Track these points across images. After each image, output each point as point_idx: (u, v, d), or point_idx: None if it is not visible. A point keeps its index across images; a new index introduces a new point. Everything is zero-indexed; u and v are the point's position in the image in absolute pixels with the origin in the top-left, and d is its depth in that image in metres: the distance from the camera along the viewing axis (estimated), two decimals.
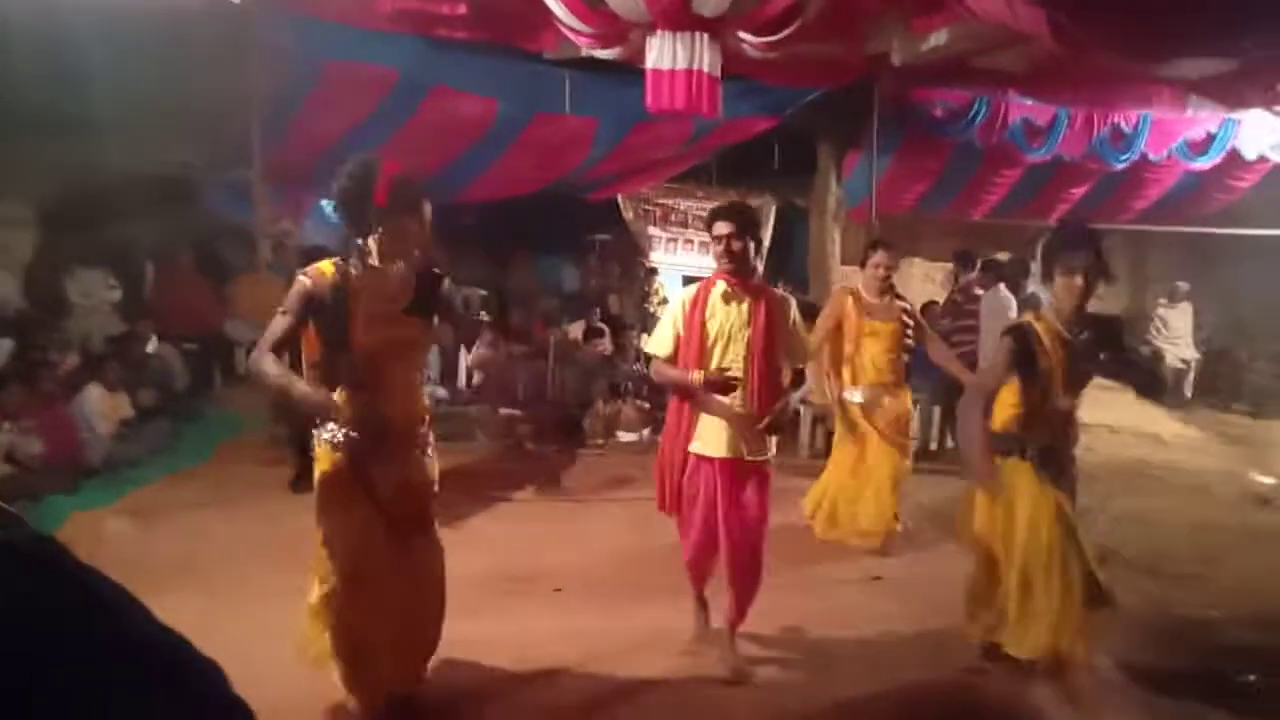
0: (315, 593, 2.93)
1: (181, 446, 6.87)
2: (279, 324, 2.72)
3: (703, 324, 3.38)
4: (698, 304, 3.41)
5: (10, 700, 0.57)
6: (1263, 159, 9.30)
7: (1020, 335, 3.26)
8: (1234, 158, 9.29)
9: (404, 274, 2.85)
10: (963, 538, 3.66)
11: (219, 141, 7.66)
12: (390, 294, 2.80)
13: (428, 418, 3.01)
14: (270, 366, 2.71)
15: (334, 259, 2.81)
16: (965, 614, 3.62)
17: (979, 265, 7.71)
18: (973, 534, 3.53)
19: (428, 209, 2.85)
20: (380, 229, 2.76)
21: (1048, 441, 3.30)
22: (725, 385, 3.30)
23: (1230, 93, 7.10)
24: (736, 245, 3.34)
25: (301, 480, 2.83)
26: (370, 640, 2.84)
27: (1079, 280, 3.17)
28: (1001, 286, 7.33)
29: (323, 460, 2.83)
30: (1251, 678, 3.61)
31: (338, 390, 2.78)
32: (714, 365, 3.35)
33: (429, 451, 2.99)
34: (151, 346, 7.68)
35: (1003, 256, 8.43)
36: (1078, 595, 3.20)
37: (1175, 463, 7.54)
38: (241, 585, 4.23)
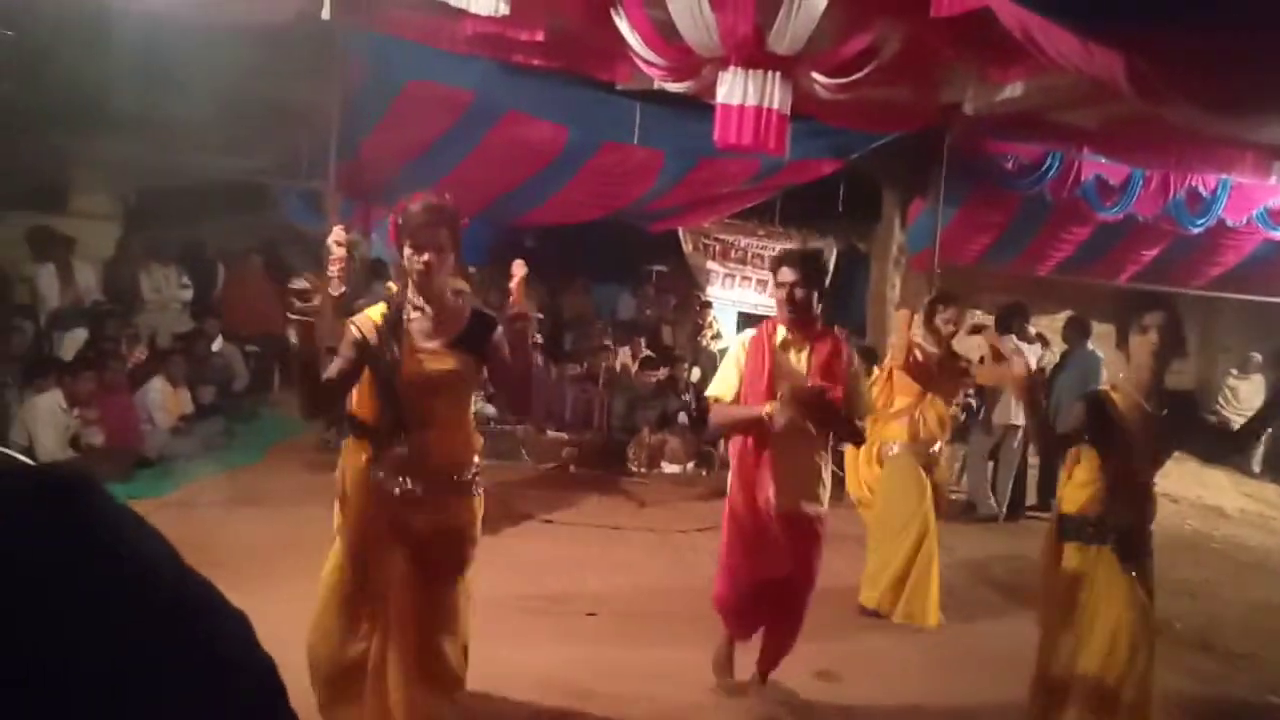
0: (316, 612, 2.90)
1: (235, 445, 7.04)
2: (334, 365, 2.75)
3: (771, 365, 3.31)
4: (761, 347, 3.36)
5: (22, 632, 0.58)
6: None
7: (1095, 402, 3.14)
8: None
9: (449, 311, 2.80)
10: (1041, 623, 3.37)
11: (297, 151, 7.92)
12: (433, 331, 2.76)
13: (476, 459, 2.91)
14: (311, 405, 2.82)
15: (386, 300, 2.81)
16: (1031, 698, 3.34)
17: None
18: (1047, 621, 3.28)
19: (435, 235, 2.69)
20: (403, 264, 2.75)
21: (1129, 523, 3.11)
22: (812, 396, 3.15)
23: None
24: (800, 294, 3.27)
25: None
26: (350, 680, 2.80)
27: (1154, 337, 3.05)
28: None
29: (353, 478, 2.84)
30: None
31: (385, 430, 2.77)
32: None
33: (474, 494, 2.89)
34: (216, 345, 7.91)
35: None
36: (1147, 702, 3.03)
37: (1237, 537, 7.27)
38: (274, 586, 4.27)
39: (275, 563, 4.65)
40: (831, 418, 3.29)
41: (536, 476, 7.37)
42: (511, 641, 3.86)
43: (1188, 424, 3.25)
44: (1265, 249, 9.70)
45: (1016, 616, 4.64)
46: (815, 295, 3.33)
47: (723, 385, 3.43)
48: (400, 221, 2.72)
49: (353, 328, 2.74)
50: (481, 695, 3.44)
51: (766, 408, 3.18)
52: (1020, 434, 7.15)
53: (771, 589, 3.36)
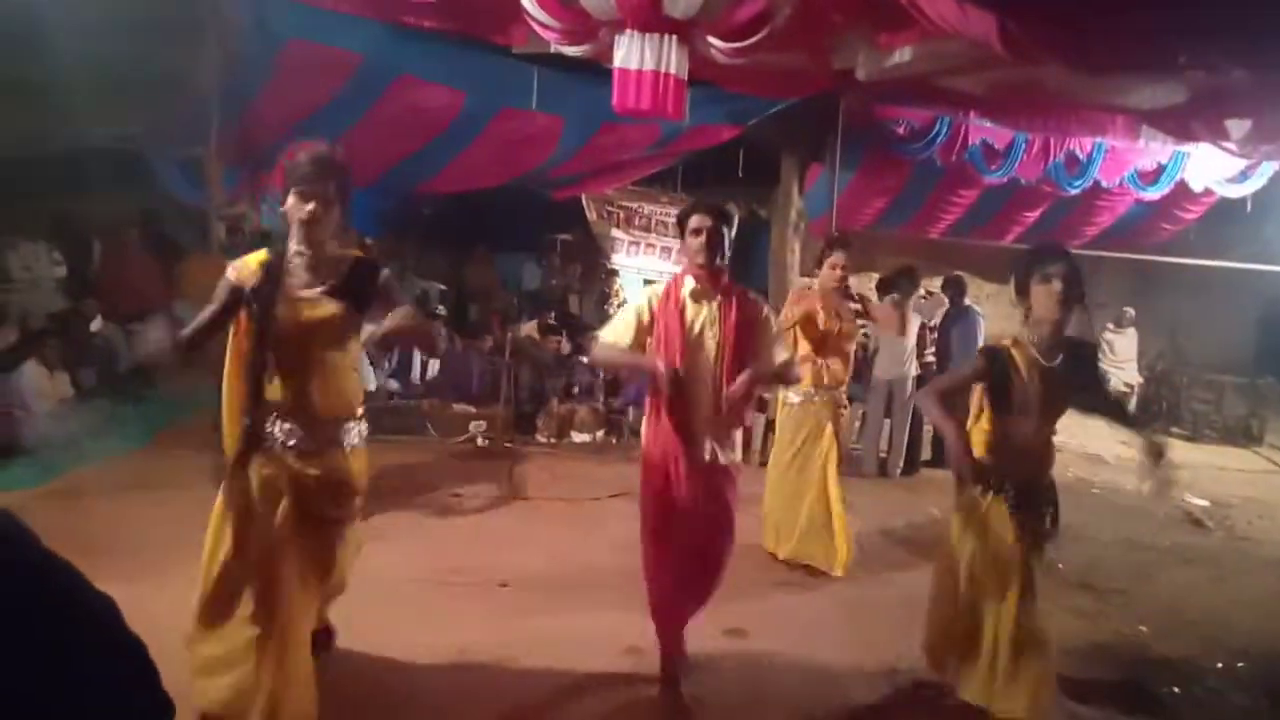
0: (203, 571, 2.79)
1: (120, 429, 6.69)
2: (204, 313, 2.72)
3: (681, 318, 3.30)
4: (670, 299, 3.33)
5: None
6: (1209, 192, 9.59)
7: (992, 357, 3.13)
8: (1182, 189, 9.56)
9: (330, 257, 2.79)
10: (936, 567, 3.48)
11: (174, 118, 7.48)
12: (311, 278, 2.74)
13: (359, 410, 2.91)
14: (181, 347, 2.68)
15: (269, 248, 2.78)
16: (925, 646, 3.50)
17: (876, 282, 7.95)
18: (941, 565, 3.39)
19: (321, 184, 2.69)
20: (286, 211, 2.74)
21: (1025, 476, 3.16)
22: (680, 385, 3.18)
23: (1180, 125, 7.30)
24: (713, 239, 3.28)
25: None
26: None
27: (1057, 285, 3.04)
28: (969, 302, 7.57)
29: (232, 444, 2.78)
30: (1175, 690, 3.71)
31: (267, 379, 2.73)
32: (694, 364, 3.25)
33: (356, 444, 2.87)
34: (95, 325, 7.48)
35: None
36: (1037, 652, 3.11)
37: (1114, 483, 7.74)
38: (167, 572, 4.11)
39: (169, 549, 4.44)
40: (748, 403, 3.33)
41: (445, 451, 7.27)
42: (425, 616, 3.82)
43: (1086, 372, 3.25)
44: (1136, 209, 10.28)
45: (919, 569, 4.83)
46: (725, 244, 3.34)
47: (616, 330, 3.40)
48: (287, 168, 2.70)
49: (230, 272, 2.73)
50: (397, 667, 3.41)
51: (659, 365, 3.18)
52: (909, 388, 7.39)
53: (691, 540, 3.36)
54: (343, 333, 2.80)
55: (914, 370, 7.48)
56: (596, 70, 6.08)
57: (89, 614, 0.70)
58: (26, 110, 6.53)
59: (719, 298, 3.33)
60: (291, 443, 2.73)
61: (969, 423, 3.33)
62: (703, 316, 3.32)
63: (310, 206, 2.68)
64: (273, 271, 2.70)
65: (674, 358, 3.24)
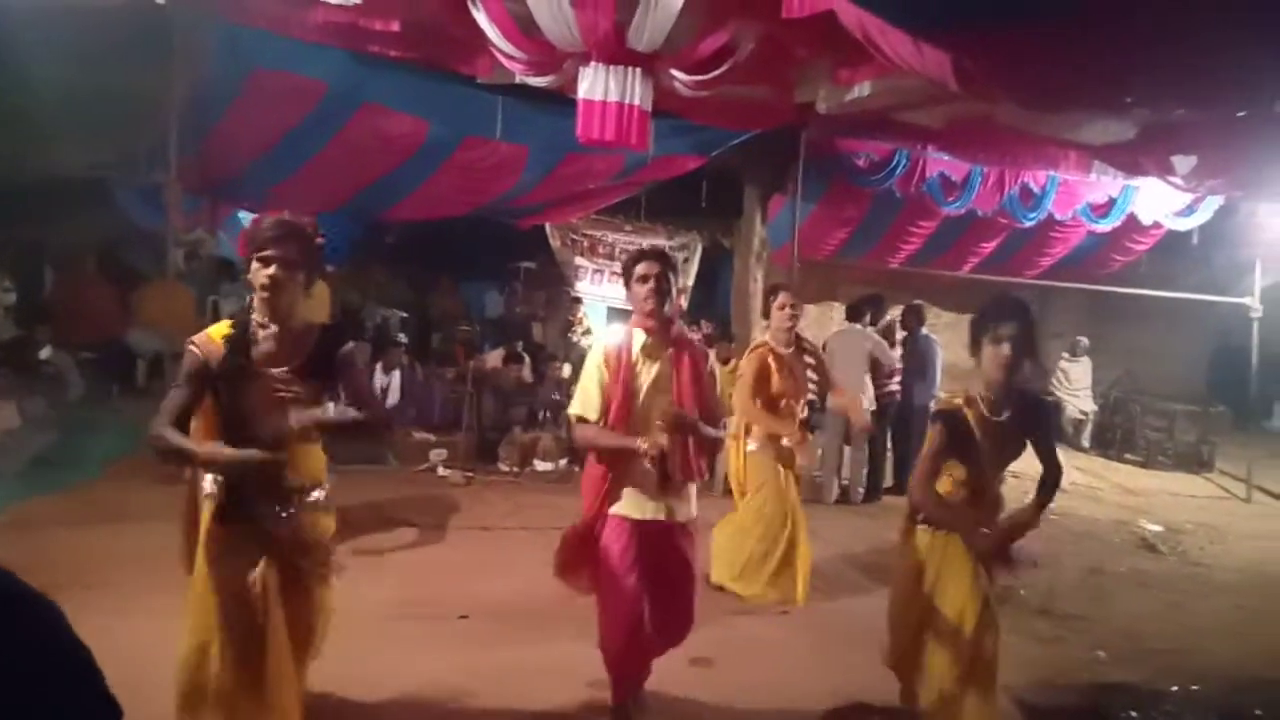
0: (187, 643, 2.74)
1: (71, 460, 6.52)
2: (175, 397, 2.61)
3: (630, 380, 3.24)
4: (622, 359, 3.26)
5: None
6: (1157, 225, 9.86)
7: (951, 420, 3.14)
8: (1132, 222, 9.82)
9: (296, 331, 2.71)
10: (892, 597, 3.48)
11: (134, 144, 7.40)
12: (279, 353, 2.66)
13: (323, 480, 2.87)
14: (173, 436, 2.57)
15: (232, 318, 2.71)
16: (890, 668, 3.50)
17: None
18: (898, 599, 3.39)
19: (285, 251, 2.60)
20: (251, 282, 2.66)
21: (978, 517, 3.17)
22: (663, 457, 3.12)
23: (1129, 160, 7.53)
24: (654, 287, 3.23)
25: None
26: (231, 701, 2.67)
27: (1005, 349, 3.04)
28: (858, 325, 7.72)
29: (210, 510, 2.71)
30: (1133, 714, 3.76)
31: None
32: (647, 419, 3.20)
33: (325, 505, 2.86)
34: (45, 353, 7.31)
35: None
36: (993, 679, 3.16)
37: (1071, 509, 7.84)
38: (123, 606, 4.02)
39: (125, 581, 4.36)
40: (697, 433, 3.28)
41: (405, 480, 7.18)
42: (385, 649, 3.76)
43: (1036, 423, 3.27)
44: (1089, 241, 10.54)
45: (880, 595, 4.85)
46: (672, 289, 3.30)
47: (586, 403, 3.28)
48: (250, 235, 2.64)
49: (195, 349, 2.62)
50: (357, 704, 3.34)
51: (642, 444, 3.09)
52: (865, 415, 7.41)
53: (654, 601, 3.28)
54: (309, 406, 2.72)
55: (870, 397, 7.52)
56: (561, 100, 6.13)
57: (34, 619, 0.71)
58: None
59: (670, 350, 3.29)
60: (260, 512, 2.68)
61: (919, 463, 3.31)
62: (655, 372, 3.26)
63: (271, 270, 2.58)
64: (238, 347, 2.62)
65: (619, 421, 3.19)
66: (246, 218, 8.86)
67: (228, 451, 2.54)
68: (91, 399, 7.56)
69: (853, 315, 7.93)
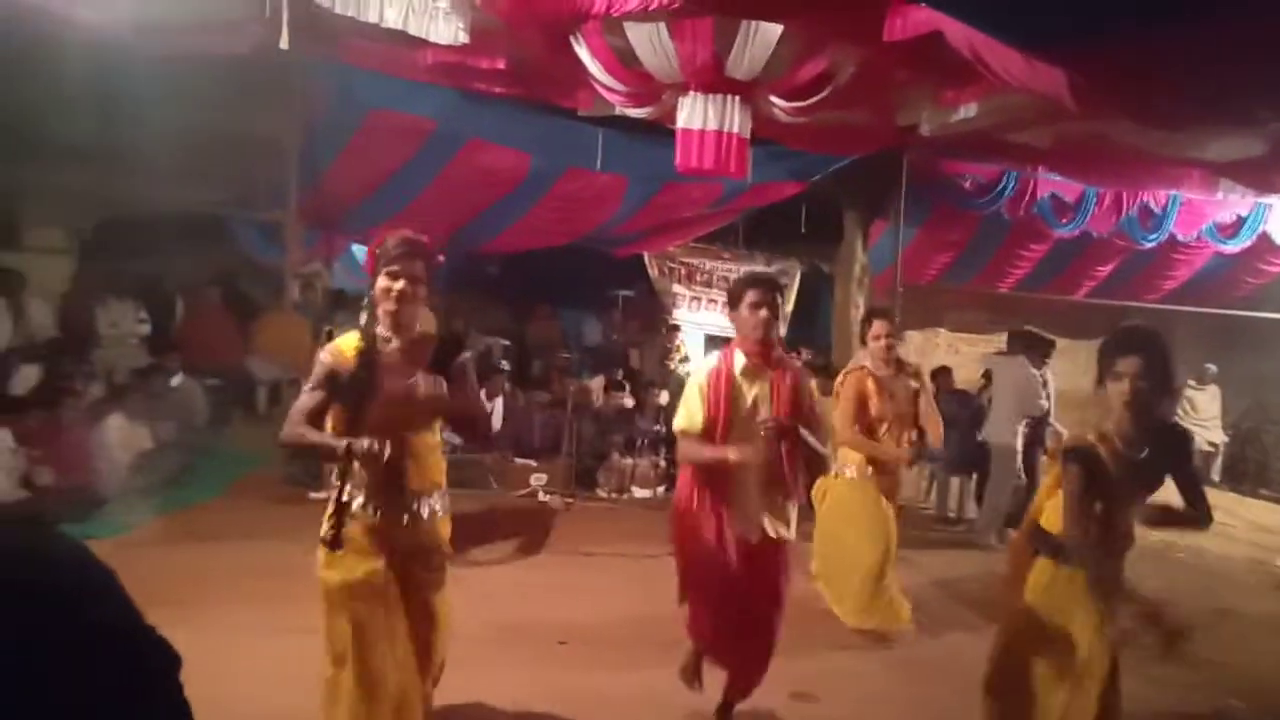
0: (329, 669, 2.85)
1: (195, 481, 6.89)
2: (306, 399, 2.75)
3: (730, 401, 3.27)
4: (722, 377, 3.30)
5: None
6: None
7: (1085, 459, 2.90)
8: (1264, 242, 9.25)
9: (418, 341, 2.85)
10: (1000, 637, 3.25)
11: (255, 182, 7.84)
12: (403, 363, 2.80)
13: (443, 481, 2.98)
14: (306, 430, 2.72)
15: (360, 330, 2.83)
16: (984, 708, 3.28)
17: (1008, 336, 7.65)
18: (1011, 630, 3.17)
19: (412, 266, 2.76)
20: (376, 295, 2.78)
21: (1106, 554, 2.94)
22: (788, 428, 3.16)
23: (1259, 177, 7.10)
24: (766, 315, 3.24)
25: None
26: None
27: (1125, 387, 2.83)
28: (1021, 357, 7.21)
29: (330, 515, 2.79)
30: None
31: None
32: (747, 440, 3.19)
33: (441, 514, 2.96)
34: (175, 380, 7.76)
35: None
36: None
37: (1201, 547, 7.35)
38: (237, 623, 4.20)
39: (240, 599, 4.56)
40: (799, 441, 3.26)
41: (505, 504, 7.30)
42: (482, 670, 3.80)
43: (1176, 459, 3.02)
44: (1215, 262, 9.96)
45: (988, 633, 4.65)
46: (779, 316, 3.33)
47: (689, 418, 3.33)
48: (378, 253, 2.78)
49: (326, 357, 2.78)
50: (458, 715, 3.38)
51: (731, 454, 3.12)
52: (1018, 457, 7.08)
53: (741, 616, 3.31)
54: (432, 413, 2.88)
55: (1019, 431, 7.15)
56: (659, 130, 6.20)
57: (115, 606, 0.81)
58: (116, 175, 6.91)
59: (770, 372, 3.30)
60: (382, 518, 2.79)
61: (1041, 495, 3.16)
62: (754, 393, 3.28)
63: (401, 285, 2.74)
64: (368, 358, 2.75)
65: (719, 439, 3.23)
66: (360, 251, 9.26)
67: (355, 443, 2.61)
68: (216, 424, 7.98)
69: (1012, 345, 7.56)
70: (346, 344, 2.80)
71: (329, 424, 2.80)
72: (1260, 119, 5.18)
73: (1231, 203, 8.80)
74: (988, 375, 7.96)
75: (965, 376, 8.87)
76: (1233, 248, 9.35)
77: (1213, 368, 10.70)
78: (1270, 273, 10.12)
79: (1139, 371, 2.81)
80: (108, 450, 6.36)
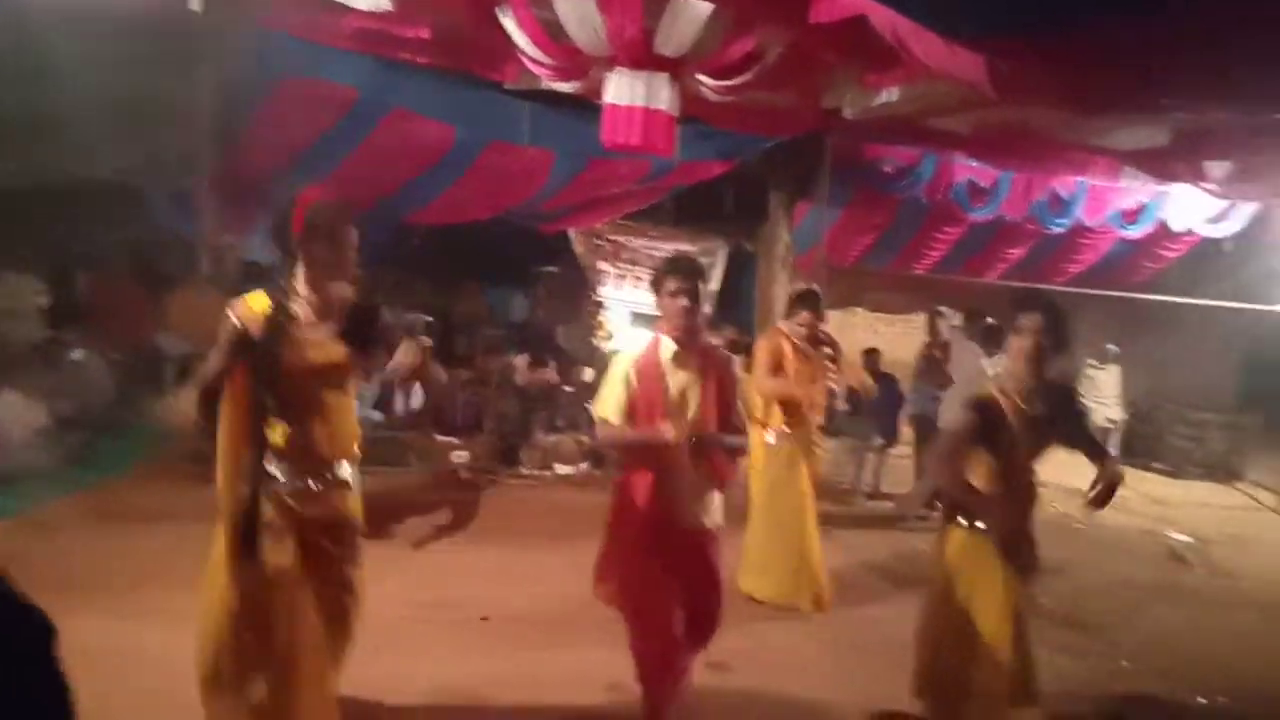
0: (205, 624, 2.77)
1: (99, 460, 6.62)
2: (212, 363, 2.68)
3: (663, 384, 3.25)
4: (651, 364, 3.28)
5: None
6: (1190, 232, 9.73)
7: (983, 408, 3.13)
8: (1163, 229, 9.70)
9: (333, 300, 2.81)
10: (934, 614, 3.40)
11: (166, 150, 7.50)
12: (317, 320, 2.77)
13: (356, 448, 2.93)
14: (197, 411, 2.67)
15: (267, 289, 2.77)
16: (914, 677, 3.45)
17: (965, 316, 7.88)
18: (933, 600, 3.34)
19: (350, 234, 2.78)
20: (300, 257, 2.74)
21: (1012, 516, 3.15)
22: (699, 447, 3.15)
23: (1161, 166, 7.43)
24: (688, 303, 3.23)
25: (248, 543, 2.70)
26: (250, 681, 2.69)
27: (1028, 341, 3.08)
28: (974, 343, 7.46)
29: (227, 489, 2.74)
30: None
31: (267, 423, 2.70)
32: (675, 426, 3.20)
33: (353, 482, 2.91)
34: (75, 354, 7.42)
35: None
36: (1031, 687, 3.13)
37: (1098, 519, 7.71)
38: (148, 606, 4.06)
39: (149, 581, 4.41)
40: (722, 446, 3.30)
41: (427, 482, 7.22)
42: (403, 650, 3.77)
43: (1065, 417, 3.25)
44: (1118, 248, 10.42)
45: (901, 603, 4.83)
46: (701, 301, 3.32)
47: (611, 406, 3.28)
48: (308, 216, 2.72)
49: (233, 316, 2.69)
50: (374, 704, 3.35)
51: (666, 432, 3.11)
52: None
53: (683, 608, 3.28)
54: (346, 376, 2.84)
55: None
56: (587, 106, 6.15)
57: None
58: (12, 141, 6.52)
59: (696, 359, 3.29)
60: (292, 484, 2.72)
61: (944, 444, 3.35)
62: (682, 380, 3.27)
63: (338, 254, 2.74)
64: (278, 315, 2.70)
65: (658, 425, 3.19)
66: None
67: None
68: (121, 401, 7.66)
69: (969, 330, 7.65)
70: (257, 301, 2.73)
71: (226, 398, 2.72)
72: (1163, 109, 5.42)
73: (1134, 190, 9.19)
74: (932, 350, 8.14)
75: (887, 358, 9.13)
76: (1134, 233, 9.78)
77: (1114, 348, 11.21)
78: (1167, 258, 10.63)
79: (1039, 327, 3.06)
80: (1, 427, 6.05)
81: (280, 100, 6.78)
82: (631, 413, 3.26)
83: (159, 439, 7.02)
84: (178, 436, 6.78)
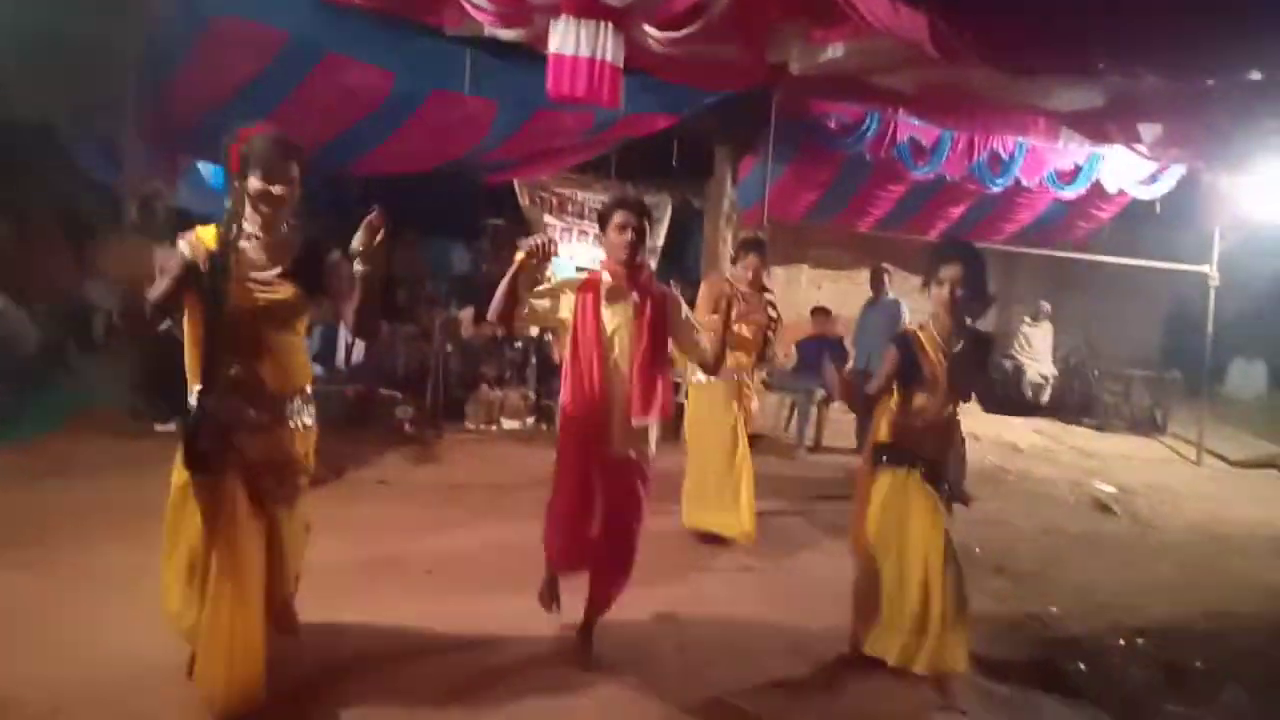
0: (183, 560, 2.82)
1: (27, 415, 6.41)
2: (159, 284, 2.68)
3: (598, 315, 3.34)
4: (589, 296, 3.36)
5: None
6: (1122, 193, 9.98)
7: (904, 343, 3.41)
8: (1097, 190, 9.93)
9: (283, 240, 2.82)
10: (855, 546, 3.67)
11: (90, 92, 7.16)
12: (266, 260, 2.77)
13: (308, 387, 2.95)
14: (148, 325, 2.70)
15: (217, 224, 2.75)
16: (854, 621, 3.65)
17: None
18: (864, 543, 3.58)
19: (288, 167, 2.74)
20: (241, 192, 2.73)
21: (934, 450, 3.43)
22: (545, 252, 3.25)
23: (1096, 128, 7.58)
24: (633, 236, 3.32)
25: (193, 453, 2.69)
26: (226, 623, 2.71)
27: (946, 291, 3.33)
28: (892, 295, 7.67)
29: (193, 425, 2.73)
30: (1081, 666, 3.89)
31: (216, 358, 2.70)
32: (609, 360, 3.32)
33: (306, 422, 2.92)
34: None
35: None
36: (964, 610, 3.36)
37: (1028, 470, 8.03)
38: (91, 565, 3.99)
39: (85, 537, 4.31)
40: (658, 370, 3.38)
41: (370, 437, 7.15)
42: (351, 601, 3.76)
43: (980, 362, 3.53)
44: (1053, 208, 10.64)
45: (831, 549, 5.00)
46: (646, 240, 3.40)
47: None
48: (244, 152, 2.71)
49: (183, 245, 2.69)
50: (323, 649, 3.34)
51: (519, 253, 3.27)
52: None
53: (598, 529, 3.41)
54: (295, 315, 2.84)
55: None
56: (531, 55, 6.02)
57: None
58: None
59: (634, 295, 3.37)
60: (239, 419, 2.73)
61: (877, 416, 3.57)
62: (619, 315, 3.35)
63: (278, 190, 2.71)
64: (227, 251, 2.69)
65: (593, 354, 3.30)
66: (206, 170, 8.65)
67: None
68: (48, 354, 7.40)
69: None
70: (205, 233, 2.73)
71: (186, 322, 2.75)
72: (1098, 72, 5.53)
73: (1070, 151, 9.38)
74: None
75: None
76: (1070, 194, 9.99)
77: (1046, 306, 11.55)
78: (1101, 218, 10.90)
79: (958, 278, 3.31)
80: None
81: (209, 42, 6.50)
82: (570, 344, 3.37)
83: (90, 394, 6.83)
84: (109, 392, 6.62)
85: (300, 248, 2.84)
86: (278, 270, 2.76)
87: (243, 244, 2.73)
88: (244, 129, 2.76)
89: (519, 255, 3.22)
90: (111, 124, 7.19)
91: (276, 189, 2.71)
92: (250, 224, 2.74)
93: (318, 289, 2.86)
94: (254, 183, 2.70)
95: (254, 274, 2.72)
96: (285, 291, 2.77)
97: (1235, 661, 4.07)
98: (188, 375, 2.78)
